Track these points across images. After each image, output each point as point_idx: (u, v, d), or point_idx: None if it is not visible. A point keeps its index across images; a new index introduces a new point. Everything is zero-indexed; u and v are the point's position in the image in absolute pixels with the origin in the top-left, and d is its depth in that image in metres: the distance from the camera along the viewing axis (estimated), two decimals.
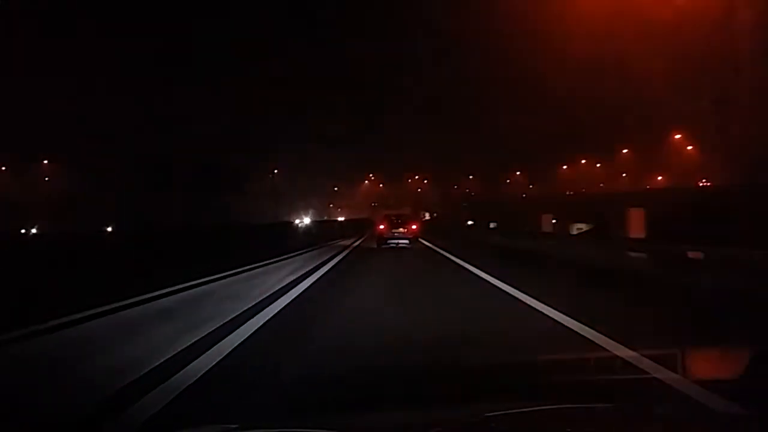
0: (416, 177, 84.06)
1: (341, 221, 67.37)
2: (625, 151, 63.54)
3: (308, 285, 10.89)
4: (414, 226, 25.61)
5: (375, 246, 24.38)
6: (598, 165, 68.53)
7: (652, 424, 2.10)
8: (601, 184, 72.12)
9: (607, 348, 5.11)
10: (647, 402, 3.43)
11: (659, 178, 63.92)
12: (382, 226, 25.17)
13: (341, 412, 3.22)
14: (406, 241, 24.16)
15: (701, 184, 51.14)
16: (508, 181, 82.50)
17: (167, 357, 5.01)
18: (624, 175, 64.52)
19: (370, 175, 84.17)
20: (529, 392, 3.44)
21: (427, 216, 74.04)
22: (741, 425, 2.29)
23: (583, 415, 2.15)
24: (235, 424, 2.20)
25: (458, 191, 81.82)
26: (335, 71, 70.31)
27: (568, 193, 60.86)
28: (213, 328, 6.32)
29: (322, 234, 29.50)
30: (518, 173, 77.44)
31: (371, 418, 2.76)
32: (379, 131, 69.90)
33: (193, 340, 5.70)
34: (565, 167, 69.60)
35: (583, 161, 69.23)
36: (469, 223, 53.96)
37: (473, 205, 65.12)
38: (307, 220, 59.25)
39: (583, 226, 27.40)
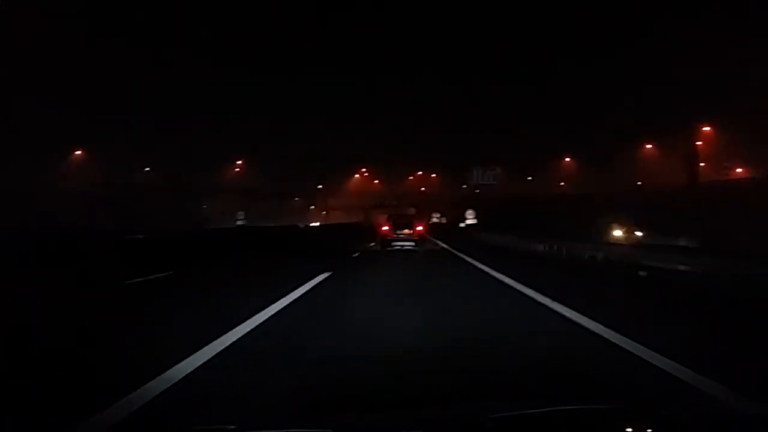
0: (419, 173, 67.58)
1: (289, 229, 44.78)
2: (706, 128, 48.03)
3: None
4: (420, 227, 23.94)
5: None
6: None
7: (659, 425, 2.03)
8: (639, 183, 57.48)
9: None
10: (655, 402, 3.24)
11: (738, 170, 48.62)
12: (385, 228, 23.55)
13: (341, 412, 3.21)
14: (412, 243, 22.59)
15: None
16: (530, 178, 66.42)
17: None
18: (702, 164, 49.19)
19: (363, 170, 67.43)
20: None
21: (435, 219, 57.29)
22: (750, 425, 2.13)
23: (590, 417, 2.08)
24: (234, 425, 2.06)
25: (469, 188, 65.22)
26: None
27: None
28: None
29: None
30: (567, 159, 61.33)
31: (371, 418, 2.60)
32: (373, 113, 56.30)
33: None
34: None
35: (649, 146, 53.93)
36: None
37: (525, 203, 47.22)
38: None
39: None
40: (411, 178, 68.06)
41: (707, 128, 49.61)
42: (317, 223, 61.29)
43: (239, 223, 48.55)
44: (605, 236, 29.05)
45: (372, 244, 25.21)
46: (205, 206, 53.34)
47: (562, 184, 62.88)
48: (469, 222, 39.28)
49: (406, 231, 23.14)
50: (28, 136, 40.67)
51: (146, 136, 50.00)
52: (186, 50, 52.83)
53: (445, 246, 24.83)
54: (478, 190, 60.12)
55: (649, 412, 2.22)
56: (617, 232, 31.88)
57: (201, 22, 56.04)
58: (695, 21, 45.72)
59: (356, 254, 20.04)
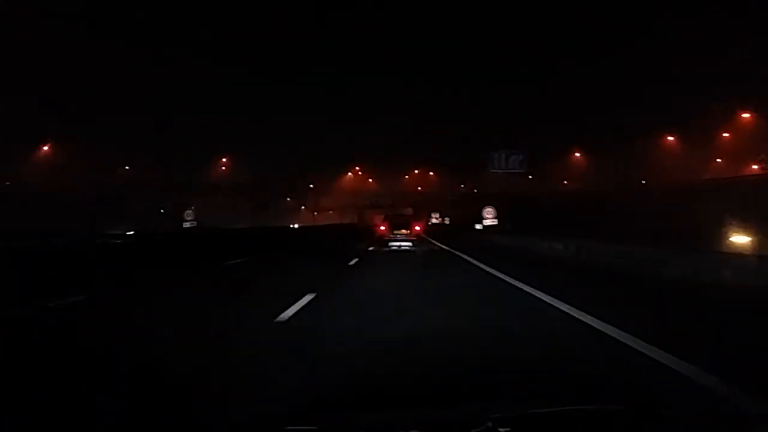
0: (415, 172, 66.69)
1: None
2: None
3: None
4: (417, 228, 24.16)
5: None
6: None
7: (663, 426, 2.05)
8: (643, 181, 57.05)
9: None
10: (659, 403, 3.09)
11: (754, 166, 48.26)
12: (382, 228, 23.90)
13: (341, 412, 3.20)
14: (409, 244, 22.28)
15: None
16: (530, 177, 65.63)
17: None
18: (719, 160, 49.01)
19: (356, 167, 66.36)
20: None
21: (435, 219, 56.69)
22: (752, 424, 2.18)
23: (594, 417, 2.07)
24: (236, 426, 2.13)
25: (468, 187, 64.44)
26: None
27: None
28: None
29: None
30: (577, 154, 60.91)
31: (371, 418, 2.60)
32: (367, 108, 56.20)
33: None
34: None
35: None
36: None
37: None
38: None
39: None
40: (407, 176, 66.39)
41: (746, 115, 47.31)
42: (295, 225, 59.29)
43: (187, 225, 37.44)
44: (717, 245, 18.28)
45: (356, 260, 17.03)
46: (193, 206, 53.18)
47: (565, 182, 62.55)
48: (487, 223, 32.32)
49: (404, 231, 23.12)
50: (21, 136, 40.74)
51: (146, 136, 50.05)
52: (186, 50, 53.12)
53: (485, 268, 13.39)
54: (476, 189, 59.14)
55: (649, 412, 2.20)
56: (739, 239, 20.91)
57: (201, 22, 56.37)
58: (695, 21, 45.73)
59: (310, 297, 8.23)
